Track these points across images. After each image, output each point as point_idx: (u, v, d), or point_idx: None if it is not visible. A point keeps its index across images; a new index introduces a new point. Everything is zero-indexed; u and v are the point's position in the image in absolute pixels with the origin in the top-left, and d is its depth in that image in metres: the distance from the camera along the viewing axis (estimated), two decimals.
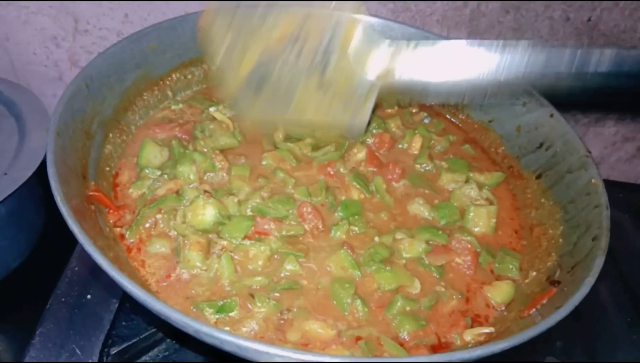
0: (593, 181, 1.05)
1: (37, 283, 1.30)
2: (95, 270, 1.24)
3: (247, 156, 1.19)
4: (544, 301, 0.91)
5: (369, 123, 1.29)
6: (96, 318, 1.18)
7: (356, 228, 1.07)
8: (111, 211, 1.02)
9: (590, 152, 1.11)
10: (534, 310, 0.91)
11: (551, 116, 1.22)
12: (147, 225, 1.01)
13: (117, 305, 1.17)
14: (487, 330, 0.93)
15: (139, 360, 1.08)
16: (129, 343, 1.06)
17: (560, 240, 1.05)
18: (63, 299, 1.20)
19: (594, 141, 2.01)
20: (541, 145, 1.22)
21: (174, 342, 1.12)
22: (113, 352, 1.04)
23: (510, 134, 1.30)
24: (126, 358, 1.07)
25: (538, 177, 1.20)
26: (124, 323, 1.14)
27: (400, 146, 1.29)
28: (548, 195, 1.16)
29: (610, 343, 1.31)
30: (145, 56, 1.22)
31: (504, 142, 1.32)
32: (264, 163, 1.18)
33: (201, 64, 1.36)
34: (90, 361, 1.08)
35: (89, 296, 1.21)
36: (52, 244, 1.35)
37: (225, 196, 1.07)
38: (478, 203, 1.17)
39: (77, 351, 1.12)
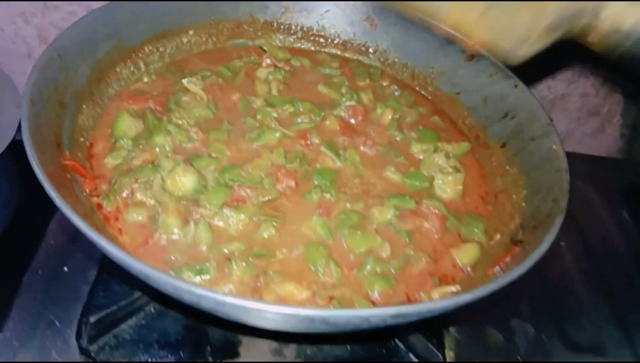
0: (554, 147, 1.10)
1: (13, 259, 1.30)
2: (73, 242, 1.25)
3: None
4: (508, 260, 0.96)
5: (341, 96, 1.33)
6: (74, 289, 1.19)
7: (328, 195, 1.11)
8: (87, 180, 1.03)
9: (551, 120, 1.17)
10: (497, 268, 0.96)
11: (515, 86, 1.26)
12: (124, 194, 1.03)
13: (94, 276, 1.18)
14: (453, 288, 0.98)
15: (118, 328, 1.10)
16: (108, 311, 1.08)
17: (523, 204, 1.10)
18: (40, 271, 1.21)
19: (560, 117, 2.07)
20: (506, 115, 1.27)
21: (152, 310, 1.14)
22: (92, 320, 1.06)
23: (477, 105, 1.35)
24: (105, 326, 1.08)
25: (503, 146, 1.25)
26: (101, 293, 1.15)
27: (372, 117, 1.33)
28: (512, 162, 1.21)
29: (574, 307, 1.38)
30: (117, 27, 1.23)
31: (471, 113, 1.36)
32: (244, 121, 1.22)
33: (174, 37, 1.37)
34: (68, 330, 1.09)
35: (65, 268, 1.23)
36: (27, 221, 1.35)
37: (204, 163, 1.09)
38: (446, 171, 1.21)
39: (56, 322, 1.13)
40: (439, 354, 1.13)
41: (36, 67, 0.98)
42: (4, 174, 1.39)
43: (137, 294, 1.12)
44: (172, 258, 0.96)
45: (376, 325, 0.80)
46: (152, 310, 1.14)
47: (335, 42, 1.53)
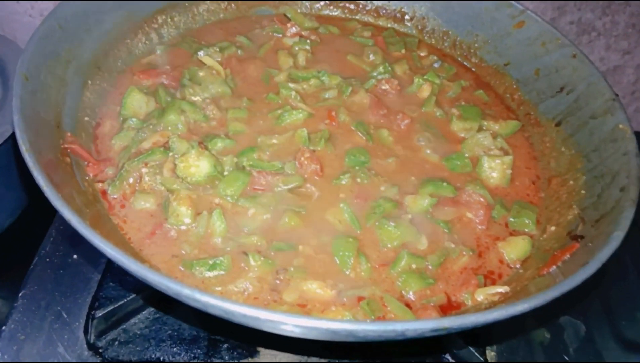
0: (620, 126, 0.95)
1: (29, 243, 1.23)
2: None
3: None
4: (566, 258, 0.83)
5: (374, 68, 1.20)
6: (83, 278, 1.11)
7: (359, 179, 0.99)
8: (90, 164, 0.94)
9: (617, 95, 1.01)
10: (554, 267, 0.83)
11: (574, 56, 1.11)
12: (131, 180, 0.93)
13: (104, 265, 1.10)
14: (501, 289, 0.85)
15: (128, 322, 1.01)
16: (117, 304, 0.99)
17: (582, 192, 0.96)
18: (48, 259, 1.13)
19: None
20: (562, 89, 1.12)
21: (165, 303, 1.05)
22: (100, 314, 0.98)
23: (528, 78, 1.20)
24: (115, 320, 1.00)
25: (558, 124, 1.10)
26: (112, 284, 1.06)
27: (408, 91, 1.19)
28: (569, 143, 1.06)
29: (630, 302, 1.23)
30: None
31: (520, 87, 1.21)
32: (266, 98, 1.11)
33: (190, 5, 1.25)
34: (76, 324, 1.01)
35: (75, 256, 1.14)
36: (36, 206, 1.27)
37: (221, 144, 0.98)
38: (492, 152, 1.07)
39: (63, 314, 1.05)
40: (479, 355, 1.01)
41: (32, 39, 0.88)
42: (13, 158, 1.31)
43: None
44: (182, 251, 0.86)
45: (413, 337, 0.68)
46: (166, 303, 1.05)
47: (368, 8, 1.39)
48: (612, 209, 0.84)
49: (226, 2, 1.31)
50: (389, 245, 0.91)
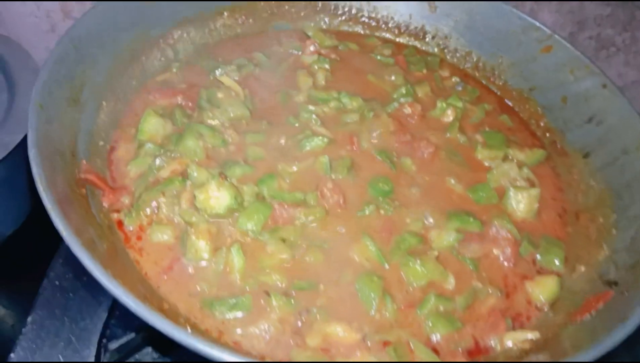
0: None
1: (27, 266, 1.20)
2: None
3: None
4: (600, 306, 0.80)
5: (395, 89, 1.17)
6: (94, 302, 1.08)
7: (383, 211, 0.95)
8: (106, 193, 0.90)
9: None
10: (587, 315, 0.80)
11: (604, 86, 1.07)
12: (148, 211, 0.89)
13: None
14: (531, 335, 0.82)
15: (141, 352, 0.98)
16: (129, 337, 0.96)
17: (614, 231, 0.93)
18: (57, 282, 1.09)
19: None
20: (591, 119, 1.08)
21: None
22: (113, 347, 0.94)
23: (555, 105, 1.16)
24: (127, 351, 0.97)
25: (586, 156, 1.07)
26: (124, 310, 1.03)
27: (431, 115, 1.15)
28: (598, 177, 1.03)
29: None
30: (141, 12, 1.08)
31: (546, 113, 1.18)
32: (286, 121, 1.08)
33: (206, 20, 1.21)
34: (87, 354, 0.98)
35: (85, 278, 1.11)
36: (44, 220, 1.23)
37: (240, 171, 0.95)
38: (518, 183, 1.04)
39: (73, 340, 1.02)
40: None
41: (47, 64, 0.84)
42: (23, 161, 1.27)
43: None
44: (198, 289, 0.82)
45: None
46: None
47: (389, 25, 1.35)
48: None
49: (243, 17, 1.27)
50: (415, 285, 0.88)
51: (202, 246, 0.85)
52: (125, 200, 0.91)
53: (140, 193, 0.90)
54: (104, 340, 1.00)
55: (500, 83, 1.26)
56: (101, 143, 0.97)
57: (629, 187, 0.95)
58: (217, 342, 0.76)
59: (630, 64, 1.75)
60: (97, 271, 0.64)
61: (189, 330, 0.69)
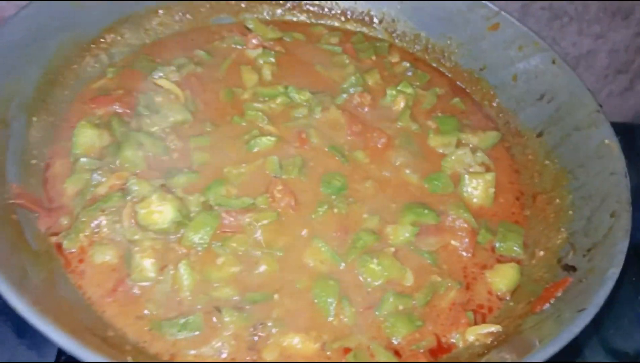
0: (606, 141, 0.91)
1: None
2: None
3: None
4: (559, 294, 0.79)
5: (344, 79, 1.13)
6: None
7: (336, 209, 0.92)
8: (41, 216, 0.85)
9: (601, 106, 0.96)
10: (547, 304, 0.78)
11: (553, 62, 1.06)
12: (88, 231, 0.84)
13: None
14: (493, 328, 0.81)
15: None
16: None
17: (570, 212, 0.91)
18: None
19: (585, 75, 1.86)
20: (542, 97, 1.07)
21: None
22: None
23: (506, 84, 1.14)
24: None
25: (539, 135, 1.06)
26: None
27: (382, 103, 1.12)
28: (552, 156, 1.01)
29: (614, 310, 1.20)
30: (69, 16, 1.01)
31: (498, 93, 1.16)
32: (231, 120, 1.03)
33: (140, 19, 1.15)
34: None
35: None
36: None
37: (184, 180, 0.91)
38: (473, 169, 1.02)
39: None
40: None
41: None
42: None
43: None
44: (146, 311, 0.78)
45: None
46: None
47: (334, 11, 1.31)
48: (604, 238, 0.80)
49: (181, 13, 1.21)
50: (374, 284, 0.85)
51: (147, 265, 0.81)
52: (64, 221, 0.86)
53: (78, 212, 0.85)
54: None
55: (451, 65, 1.23)
56: (34, 161, 0.91)
57: (583, 166, 0.93)
58: None
59: (584, 33, 1.74)
60: (22, 308, 0.60)
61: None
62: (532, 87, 1.09)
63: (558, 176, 0.98)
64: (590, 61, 1.84)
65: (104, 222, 0.85)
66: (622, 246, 0.75)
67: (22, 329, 0.95)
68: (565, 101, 1.02)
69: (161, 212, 0.84)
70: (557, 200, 0.95)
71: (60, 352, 0.90)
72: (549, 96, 1.05)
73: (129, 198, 0.86)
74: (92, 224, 0.85)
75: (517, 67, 1.11)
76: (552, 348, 0.64)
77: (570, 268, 0.82)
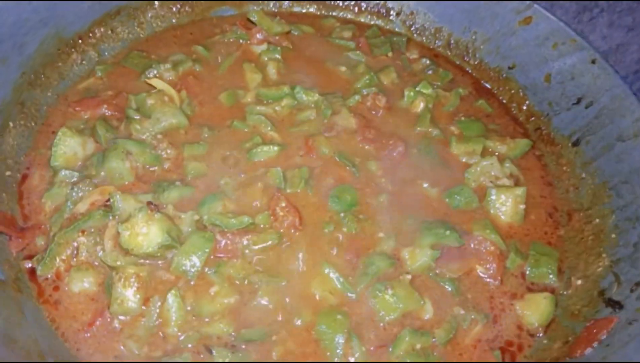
0: None
1: None
2: None
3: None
4: (603, 336, 0.68)
5: (357, 79, 1.03)
6: None
7: (346, 228, 0.82)
8: (12, 238, 0.75)
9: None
10: (589, 349, 0.67)
11: (593, 62, 0.93)
12: (65, 256, 0.75)
13: None
14: None
15: None
16: None
17: (613, 236, 0.80)
18: None
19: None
20: (579, 101, 0.95)
21: None
22: None
23: (537, 85, 1.02)
24: None
25: (575, 143, 0.94)
26: None
27: (398, 105, 1.01)
28: (590, 169, 0.90)
29: None
30: (51, 8, 0.91)
31: (528, 95, 1.04)
32: (230, 125, 0.93)
33: (134, 12, 1.05)
34: None
35: None
36: None
37: (176, 195, 0.81)
38: (500, 182, 0.91)
39: None
40: None
41: None
42: None
43: None
44: (125, 349, 0.69)
45: None
46: None
47: (346, 3, 1.19)
48: None
49: (179, 4, 1.10)
50: (388, 318, 0.75)
51: (130, 295, 0.71)
52: (40, 241, 0.77)
53: (55, 233, 0.76)
54: None
55: (476, 63, 1.11)
56: (8, 173, 0.82)
57: (628, 182, 0.82)
58: None
59: (614, 25, 1.61)
60: None
61: None
62: (567, 90, 0.97)
63: (597, 192, 0.86)
64: (620, 55, 1.71)
65: (84, 244, 0.76)
66: None
67: None
68: (606, 106, 0.90)
69: (147, 234, 0.74)
70: (597, 220, 0.84)
71: None
72: (587, 100, 0.93)
73: (111, 217, 0.77)
74: (71, 247, 0.75)
75: (551, 66, 0.99)
76: None
77: (616, 305, 0.71)
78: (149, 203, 0.77)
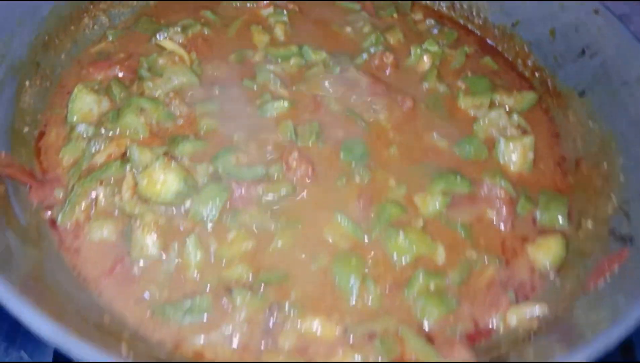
0: None
1: None
2: None
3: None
4: (615, 269, 0.69)
5: (364, 38, 1.04)
6: None
7: (358, 178, 0.83)
8: (33, 188, 0.77)
9: None
10: (601, 281, 0.69)
11: (596, 12, 0.94)
12: (84, 204, 0.77)
13: None
14: (537, 309, 0.72)
15: None
16: None
17: (621, 178, 0.81)
18: None
19: None
20: (584, 52, 0.96)
21: None
22: None
23: (542, 39, 1.03)
24: None
25: (582, 94, 0.95)
26: None
27: (406, 64, 1.02)
28: (597, 117, 0.91)
29: None
30: None
31: (533, 50, 1.05)
32: (241, 84, 0.94)
33: None
34: None
35: None
36: None
37: (190, 148, 0.82)
38: (508, 133, 0.92)
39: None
40: None
41: None
42: None
43: None
44: (147, 294, 0.70)
45: None
46: None
47: None
48: None
49: None
50: (402, 261, 0.76)
51: (149, 241, 0.73)
52: (59, 194, 0.79)
53: (73, 184, 0.77)
54: None
55: (480, 22, 1.12)
56: (26, 129, 0.83)
57: (635, 124, 0.83)
58: (173, 355, 0.65)
59: None
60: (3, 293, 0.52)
61: (125, 354, 0.57)
62: (572, 42, 0.97)
63: (605, 139, 0.87)
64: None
65: (102, 194, 0.77)
66: None
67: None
68: (611, 55, 0.90)
69: (164, 182, 0.76)
70: (605, 164, 0.85)
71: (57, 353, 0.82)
72: (591, 51, 0.94)
73: (129, 167, 0.78)
74: (90, 197, 0.77)
75: (555, 19, 1.00)
76: (606, 340, 0.55)
77: (627, 239, 0.72)
78: (166, 153, 0.78)
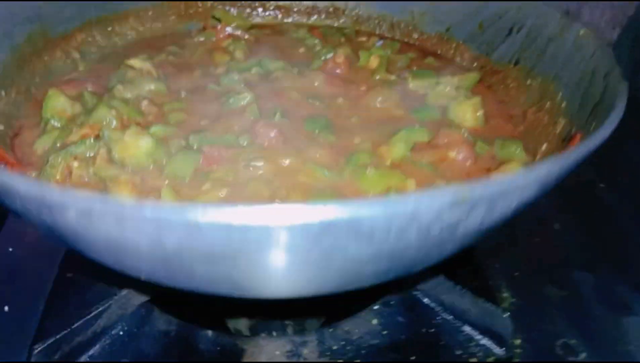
0: (582, 32, 0.90)
1: None
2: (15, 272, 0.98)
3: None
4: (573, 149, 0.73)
5: (317, 53, 1.14)
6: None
7: (325, 139, 0.88)
8: (9, 166, 0.79)
9: (567, 13, 0.97)
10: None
11: None
12: (59, 176, 0.78)
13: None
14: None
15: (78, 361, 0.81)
16: (59, 335, 0.80)
17: (564, 104, 0.88)
18: None
19: None
20: (510, 31, 1.08)
21: (121, 333, 0.86)
22: (37, 349, 0.78)
23: (474, 34, 1.16)
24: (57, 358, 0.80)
25: (516, 63, 1.05)
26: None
27: (358, 65, 1.12)
28: (533, 75, 1.00)
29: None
30: (36, 9, 1.02)
31: (468, 45, 1.17)
32: (206, 87, 1.01)
33: (111, 24, 1.17)
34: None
35: (6, 308, 0.95)
36: None
37: (161, 131, 0.86)
38: (459, 98, 1.00)
39: None
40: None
41: None
42: None
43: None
44: None
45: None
46: (122, 334, 0.86)
47: (297, 9, 1.35)
48: (603, 94, 0.76)
49: (150, 21, 1.23)
50: (374, 193, 0.79)
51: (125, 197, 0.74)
52: (33, 174, 0.80)
53: (48, 158, 0.79)
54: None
55: (418, 35, 1.26)
56: (1, 127, 0.87)
57: (566, 64, 0.92)
58: None
59: None
60: None
61: None
62: (499, 27, 1.10)
63: (543, 87, 0.96)
64: None
65: (77, 168, 0.79)
66: (622, 86, 0.71)
67: None
68: (533, 24, 1.03)
69: (138, 146, 0.79)
70: (548, 103, 0.92)
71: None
72: (517, 27, 1.06)
73: (102, 143, 0.81)
74: (63, 170, 0.79)
75: (481, 14, 1.13)
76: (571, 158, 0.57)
77: (577, 133, 0.77)
78: (138, 123, 0.82)
